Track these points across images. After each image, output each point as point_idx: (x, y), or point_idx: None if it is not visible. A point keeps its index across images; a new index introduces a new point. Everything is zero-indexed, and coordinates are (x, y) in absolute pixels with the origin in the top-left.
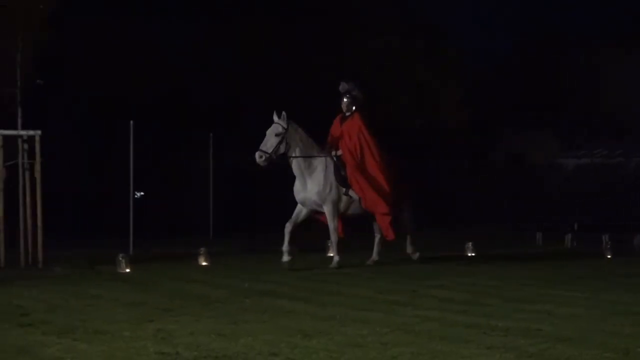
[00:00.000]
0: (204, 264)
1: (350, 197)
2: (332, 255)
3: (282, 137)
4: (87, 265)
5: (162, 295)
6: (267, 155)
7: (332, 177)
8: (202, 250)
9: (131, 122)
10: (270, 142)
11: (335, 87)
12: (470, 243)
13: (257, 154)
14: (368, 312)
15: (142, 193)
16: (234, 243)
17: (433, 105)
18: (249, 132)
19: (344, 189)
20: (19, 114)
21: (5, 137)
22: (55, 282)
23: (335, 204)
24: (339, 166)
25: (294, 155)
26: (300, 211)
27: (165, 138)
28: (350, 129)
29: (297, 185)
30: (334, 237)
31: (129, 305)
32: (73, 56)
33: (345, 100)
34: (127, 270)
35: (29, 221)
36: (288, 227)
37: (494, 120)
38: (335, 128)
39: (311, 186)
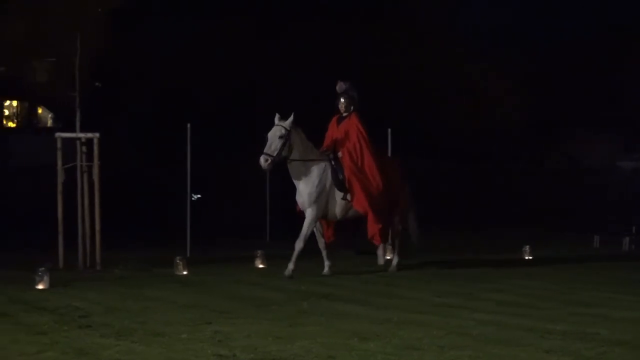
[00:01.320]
0: (260, 266)
1: (349, 200)
2: (389, 258)
3: (286, 139)
4: (145, 268)
5: (220, 298)
6: (272, 159)
7: (327, 182)
8: (259, 252)
9: (188, 124)
10: (274, 144)
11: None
12: (527, 246)
13: (261, 158)
14: (425, 315)
15: (199, 195)
16: (291, 245)
17: (490, 107)
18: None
19: (342, 194)
20: (78, 117)
21: (64, 139)
22: (114, 284)
23: (318, 212)
24: (337, 169)
25: (293, 158)
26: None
27: (222, 140)
28: (349, 130)
29: (297, 189)
30: (299, 245)
31: (187, 308)
32: (132, 59)
33: (342, 100)
34: (185, 272)
35: (88, 223)
36: (322, 243)
37: (552, 122)
38: (333, 129)
39: (304, 187)
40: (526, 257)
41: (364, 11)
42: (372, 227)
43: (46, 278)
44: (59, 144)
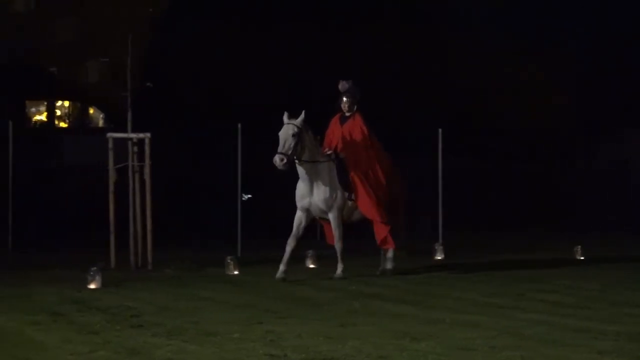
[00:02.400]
0: (311, 266)
1: (354, 201)
2: (439, 258)
3: (298, 138)
4: (196, 268)
5: (271, 298)
6: (288, 157)
7: (337, 182)
8: (310, 252)
9: (239, 124)
10: (288, 143)
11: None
12: (579, 246)
13: (277, 157)
14: (476, 315)
15: (249, 195)
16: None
17: (538, 108)
18: None
19: (347, 194)
20: (129, 117)
21: (115, 139)
22: (165, 284)
23: (341, 211)
24: (342, 169)
25: (304, 159)
26: (300, 223)
27: (271, 140)
28: (352, 130)
29: (302, 190)
30: (339, 246)
31: (238, 308)
32: (182, 59)
33: (345, 99)
34: (236, 272)
35: (139, 223)
36: (291, 244)
37: (599, 122)
38: (335, 129)
39: (317, 192)
40: (577, 258)
41: (400, 9)
42: (381, 231)
43: (98, 278)
44: (110, 144)
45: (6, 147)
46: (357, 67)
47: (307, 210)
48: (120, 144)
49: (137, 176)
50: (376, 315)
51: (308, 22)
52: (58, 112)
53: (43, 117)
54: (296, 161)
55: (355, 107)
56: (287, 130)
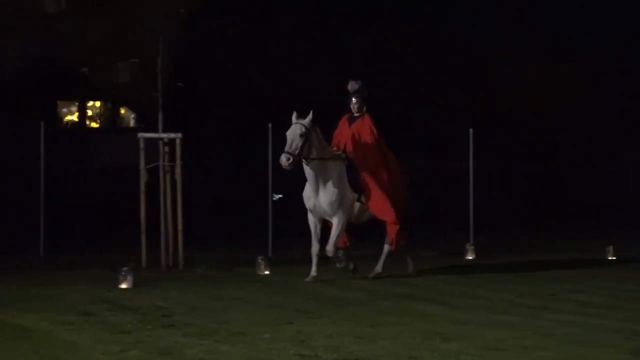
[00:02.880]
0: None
1: (363, 202)
2: (470, 258)
3: (306, 137)
4: (227, 267)
5: (301, 298)
6: (294, 157)
7: (346, 184)
8: (340, 252)
9: (269, 124)
10: (295, 143)
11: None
12: (611, 247)
13: (283, 157)
14: (508, 315)
15: (280, 195)
16: (371, 245)
17: (566, 107)
18: (397, 137)
19: (356, 195)
20: (160, 117)
21: (146, 139)
22: (196, 283)
23: (346, 216)
24: (352, 169)
25: (312, 158)
26: (315, 225)
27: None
28: (361, 130)
29: (308, 191)
30: (332, 249)
31: (269, 308)
32: (213, 59)
33: (354, 100)
34: (267, 272)
35: (170, 223)
36: (315, 249)
37: (630, 121)
38: (343, 129)
39: (323, 194)
40: (609, 258)
41: (432, 9)
42: (392, 233)
43: (129, 277)
44: (141, 144)
45: (38, 148)
46: (395, 65)
47: (314, 212)
48: (152, 144)
49: (168, 176)
50: (407, 315)
51: (364, 21)
52: (89, 113)
53: (74, 117)
54: (304, 161)
55: (365, 108)
56: (295, 130)
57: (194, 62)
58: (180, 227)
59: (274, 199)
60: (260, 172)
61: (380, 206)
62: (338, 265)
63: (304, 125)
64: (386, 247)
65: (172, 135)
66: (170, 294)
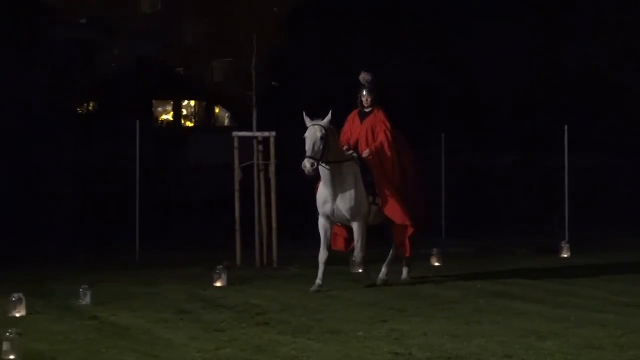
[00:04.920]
0: (436, 264)
1: (378, 205)
2: (565, 256)
3: (326, 140)
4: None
5: (395, 296)
6: (317, 162)
7: (362, 187)
8: (435, 250)
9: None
10: (317, 146)
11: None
12: None
13: (307, 162)
14: (603, 313)
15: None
16: (467, 243)
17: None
18: (483, 132)
19: (371, 197)
20: (254, 116)
21: (240, 138)
22: (290, 281)
23: (367, 220)
24: (366, 171)
25: (329, 160)
26: (326, 231)
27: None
28: (374, 125)
29: (325, 195)
30: (360, 255)
31: (363, 305)
32: (307, 58)
33: (365, 92)
34: (360, 270)
35: (264, 221)
36: (323, 256)
37: None
38: (354, 125)
39: (342, 199)
40: None
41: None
42: (401, 235)
43: (224, 276)
44: (235, 143)
45: (133, 147)
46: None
47: (329, 217)
48: (246, 142)
49: (262, 174)
50: (502, 314)
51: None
52: (184, 112)
53: (169, 116)
54: (321, 164)
55: (375, 101)
56: (315, 132)
57: (288, 60)
58: (274, 225)
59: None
60: None
61: (396, 209)
62: (360, 270)
63: (323, 127)
64: (393, 251)
65: (266, 133)
66: (264, 292)
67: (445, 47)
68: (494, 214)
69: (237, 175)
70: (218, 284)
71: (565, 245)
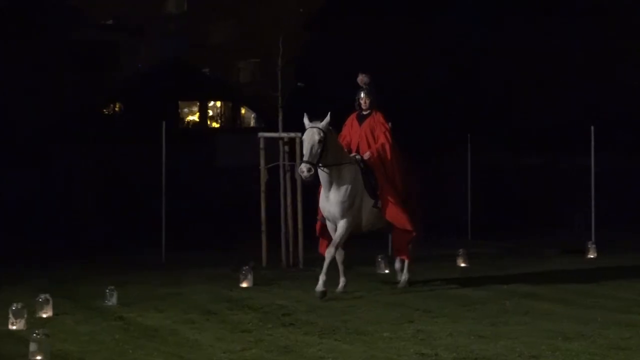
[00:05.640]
0: (462, 265)
1: (379, 209)
2: (591, 257)
3: (324, 143)
4: (346, 266)
5: (421, 296)
6: (315, 167)
7: (360, 188)
8: (461, 251)
9: (389, 123)
10: (314, 150)
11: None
12: None
13: (303, 167)
14: (630, 315)
15: None
16: (493, 244)
17: None
18: (504, 131)
19: (373, 201)
20: (280, 117)
21: (266, 139)
22: (316, 282)
23: (352, 222)
24: (368, 173)
25: (327, 163)
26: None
27: (422, 138)
28: (374, 128)
29: (324, 197)
30: (332, 250)
31: (389, 306)
32: (333, 58)
33: (363, 95)
34: (386, 271)
35: (290, 222)
36: (341, 255)
37: None
38: (353, 129)
39: (333, 196)
40: None
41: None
42: (401, 240)
43: (250, 276)
44: (261, 144)
45: (159, 148)
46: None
47: (329, 219)
48: (272, 143)
49: (287, 175)
50: (528, 314)
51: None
52: (210, 113)
53: (195, 117)
54: (320, 167)
55: (374, 104)
56: (313, 136)
57: (315, 61)
58: (300, 226)
59: None
60: None
61: (397, 213)
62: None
63: (321, 129)
64: (399, 261)
65: (291, 134)
66: (290, 292)
67: (471, 47)
68: (520, 215)
69: (263, 176)
70: (244, 284)
71: (591, 246)
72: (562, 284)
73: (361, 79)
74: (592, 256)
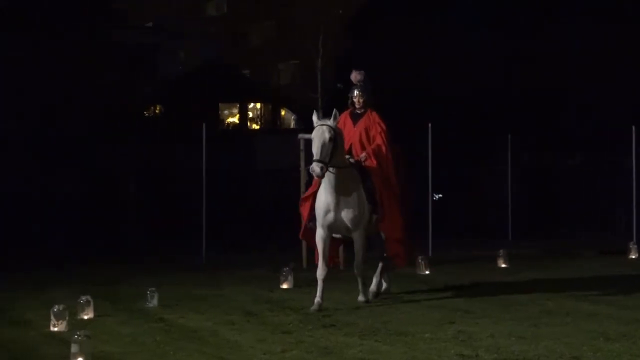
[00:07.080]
0: (503, 265)
1: (378, 215)
2: (633, 257)
3: (335, 142)
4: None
5: (462, 297)
6: (327, 166)
7: (363, 194)
8: (502, 252)
9: (429, 124)
10: (325, 149)
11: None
12: None
13: (316, 166)
14: None
15: (440, 195)
16: (533, 244)
17: None
18: (544, 132)
19: (370, 206)
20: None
21: (306, 140)
22: (357, 284)
23: (365, 231)
24: (366, 178)
25: (335, 164)
26: (325, 245)
27: (462, 139)
28: (369, 128)
29: (327, 203)
30: (361, 267)
31: (430, 307)
32: (373, 59)
33: (357, 93)
34: (427, 272)
35: None
36: (323, 273)
37: None
38: (346, 128)
39: (346, 208)
40: None
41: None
42: (397, 245)
43: (290, 278)
44: (301, 145)
45: (200, 149)
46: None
47: (330, 228)
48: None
49: None
50: (570, 315)
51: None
52: (250, 114)
53: (235, 119)
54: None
55: (367, 102)
56: (324, 133)
57: (355, 62)
58: None
59: (434, 198)
60: (420, 171)
61: (395, 223)
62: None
63: (331, 127)
64: (381, 265)
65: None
66: (331, 294)
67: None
68: (561, 215)
69: (303, 177)
70: (285, 286)
71: (633, 246)
72: (604, 284)
73: (355, 76)
74: (633, 256)
